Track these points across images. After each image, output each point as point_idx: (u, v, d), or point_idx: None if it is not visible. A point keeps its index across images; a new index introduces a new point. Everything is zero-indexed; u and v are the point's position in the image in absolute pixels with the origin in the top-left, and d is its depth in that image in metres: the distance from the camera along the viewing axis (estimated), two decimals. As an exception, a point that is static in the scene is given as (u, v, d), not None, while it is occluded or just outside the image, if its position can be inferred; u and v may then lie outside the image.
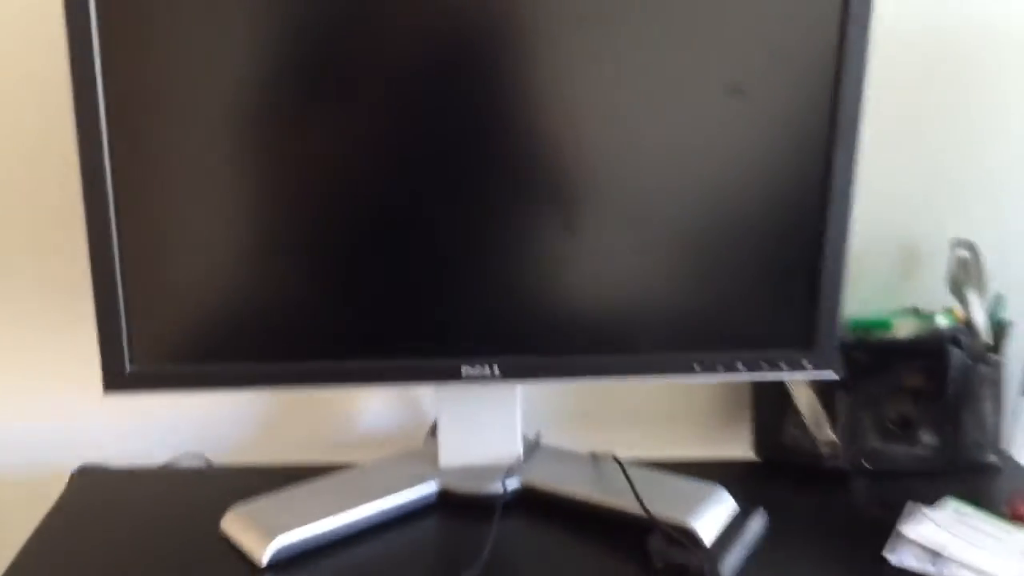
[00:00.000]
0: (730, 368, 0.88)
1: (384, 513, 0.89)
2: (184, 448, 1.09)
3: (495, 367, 0.87)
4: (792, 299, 0.87)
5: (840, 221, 0.85)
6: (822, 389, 1.01)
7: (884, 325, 1.02)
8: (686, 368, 0.88)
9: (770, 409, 1.05)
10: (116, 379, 0.84)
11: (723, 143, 0.83)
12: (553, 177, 0.83)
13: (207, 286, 0.84)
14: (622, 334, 0.87)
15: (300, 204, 0.82)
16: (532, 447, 1.01)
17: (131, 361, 0.84)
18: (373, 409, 1.11)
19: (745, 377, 0.88)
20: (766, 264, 0.86)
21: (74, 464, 1.03)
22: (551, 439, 1.05)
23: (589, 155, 0.82)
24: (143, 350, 0.84)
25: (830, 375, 0.90)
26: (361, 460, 0.99)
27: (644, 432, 1.13)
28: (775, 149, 0.84)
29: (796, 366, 0.88)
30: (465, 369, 0.86)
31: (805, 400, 1.01)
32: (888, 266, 1.10)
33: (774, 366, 0.88)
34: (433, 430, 1.01)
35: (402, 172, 0.82)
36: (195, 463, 1.08)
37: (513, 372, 0.87)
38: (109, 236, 0.80)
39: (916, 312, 1.05)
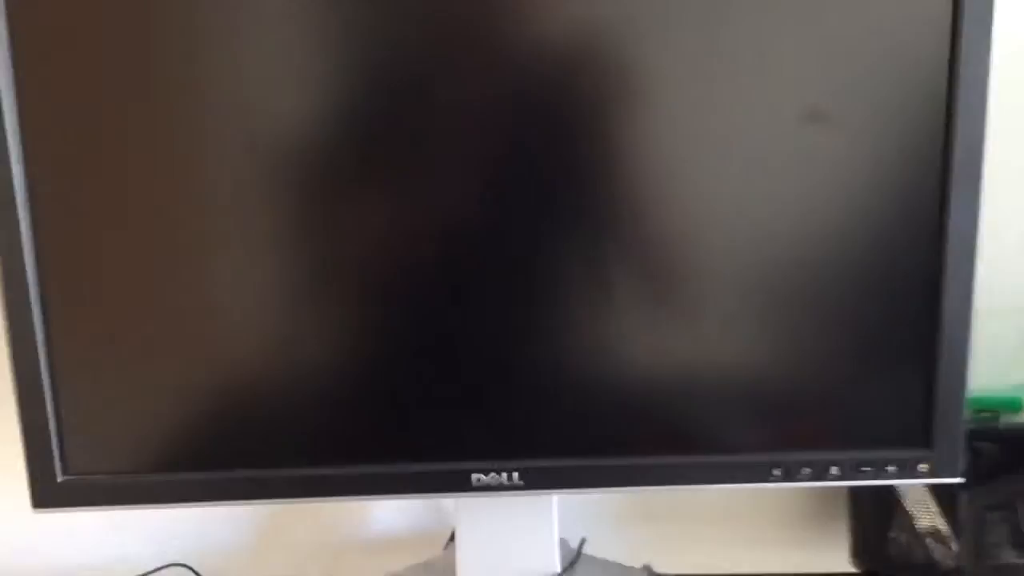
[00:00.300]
0: (821, 474, 0.69)
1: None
2: (168, 557, 0.95)
3: (514, 475, 0.69)
4: (901, 383, 0.69)
5: (961, 281, 0.66)
6: (939, 486, 0.82)
7: (1014, 405, 0.85)
8: (761, 474, 0.69)
9: (873, 509, 0.87)
10: (46, 492, 0.69)
11: (808, 188, 0.67)
12: (626, 248, 0.68)
13: (162, 380, 0.69)
14: (677, 431, 0.70)
15: (296, 286, 0.69)
16: (573, 558, 0.84)
17: (64, 470, 0.69)
18: (387, 510, 0.95)
19: (840, 484, 0.70)
20: (867, 339, 0.68)
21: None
22: (597, 547, 0.88)
23: (668, 220, 0.68)
24: (82, 456, 0.69)
25: (952, 478, 0.71)
26: (372, 572, 0.85)
27: (714, 536, 0.96)
28: (874, 194, 0.66)
29: (908, 470, 0.70)
30: (477, 478, 0.69)
31: (917, 499, 0.84)
32: (1014, 331, 0.92)
33: (879, 471, 0.69)
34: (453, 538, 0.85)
35: (442, 244, 0.68)
36: (180, 577, 0.93)
37: (539, 481, 0.69)
38: (27, 304, 0.66)
39: (1055, 389, 0.87)
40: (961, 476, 0.71)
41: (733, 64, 0.64)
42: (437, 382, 0.69)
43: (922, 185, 0.65)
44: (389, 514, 0.96)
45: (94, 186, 0.66)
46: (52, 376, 0.67)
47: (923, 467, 0.69)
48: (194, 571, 0.93)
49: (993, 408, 0.86)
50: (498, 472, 0.69)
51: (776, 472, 0.69)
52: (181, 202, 0.66)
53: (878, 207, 0.66)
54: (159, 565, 0.94)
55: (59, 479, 0.69)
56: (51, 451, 0.68)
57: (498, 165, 0.67)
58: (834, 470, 0.69)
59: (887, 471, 0.69)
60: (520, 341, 0.69)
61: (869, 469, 0.69)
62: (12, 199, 0.64)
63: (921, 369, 0.68)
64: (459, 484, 0.69)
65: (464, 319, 0.68)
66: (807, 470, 0.69)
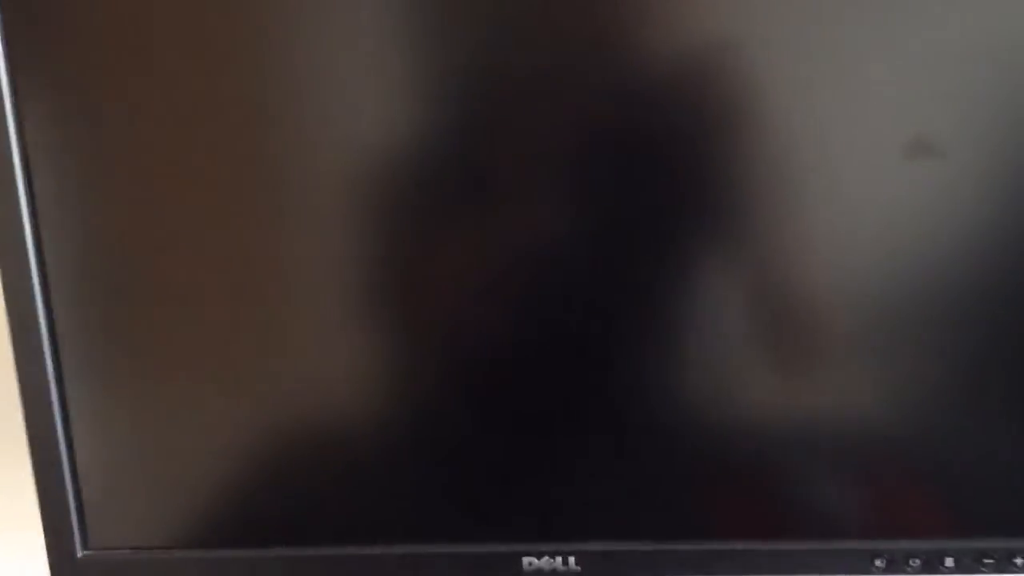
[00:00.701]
0: (933, 567, 0.58)
1: None
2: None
3: (570, 559, 0.60)
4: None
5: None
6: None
7: None
8: (861, 565, 0.58)
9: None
10: (64, 569, 0.63)
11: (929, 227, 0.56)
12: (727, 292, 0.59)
13: (194, 449, 0.63)
14: (763, 510, 0.60)
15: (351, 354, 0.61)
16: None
17: (84, 545, 0.63)
18: None
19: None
20: (996, 400, 0.57)
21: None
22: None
23: (778, 260, 0.58)
24: (102, 530, 0.63)
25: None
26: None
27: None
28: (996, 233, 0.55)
29: None
30: (528, 561, 0.60)
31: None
32: None
33: (1005, 564, 0.57)
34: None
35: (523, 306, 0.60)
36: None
37: (599, 567, 0.60)
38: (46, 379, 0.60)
39: None
40: None
41: (844, 92, 0.55)
42: (486, 453, 0.61)
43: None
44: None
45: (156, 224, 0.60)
46: (69, 443, 0.61)
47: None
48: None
49: None
50: (552, 556, 0.60)
51: (879, 563, 0.58)
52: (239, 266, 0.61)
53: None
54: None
55: (79, 555, 0.63)
56: (70, 524, 0.62)
57: (595, 205, 0.58)
58: (949, 562, 0.58)
59: (1015, 564, 0.57)
60: (592, 406, 0.60)
61: (992, 561, 0.57)
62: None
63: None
64: (508, 568, 0.61)
65: (527, 385, 0.60)
66: (916, 561, 0.58)
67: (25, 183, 0.57)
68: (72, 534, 0.63)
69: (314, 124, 0.57)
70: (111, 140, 0.58)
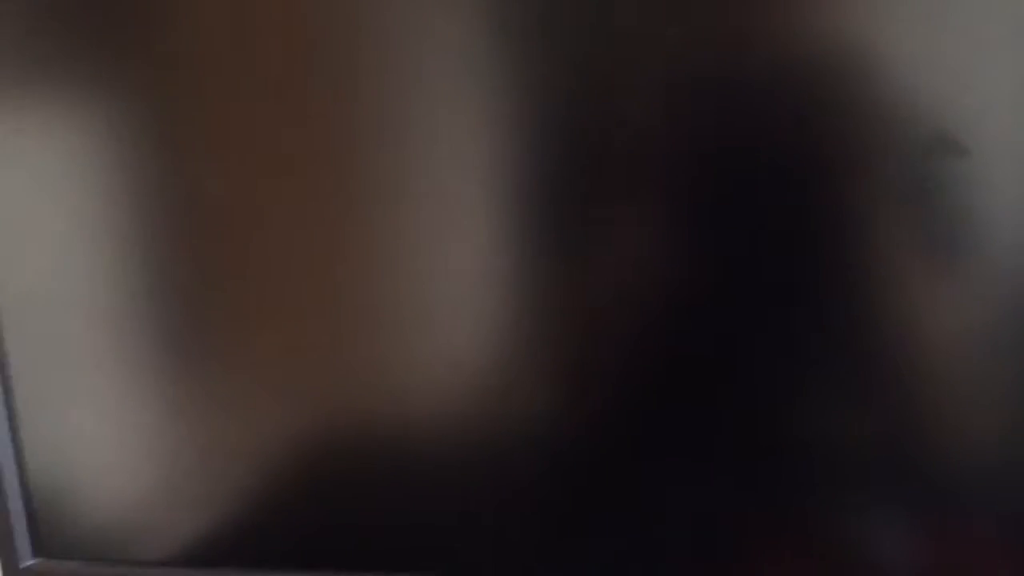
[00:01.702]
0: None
1: None
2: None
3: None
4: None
5: None
6: None
7: None
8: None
9: None
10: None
11: None
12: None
13: (136, 459, 0.60)
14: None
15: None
16: None
17: (36, 552, 0.61)
18: None
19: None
20: None
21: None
22: None
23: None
24: (54, 539, 0.61)
25: None
26: None
27: None
28: None
29: None
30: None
31: None
32: None
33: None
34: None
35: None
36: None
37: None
38: None
39: None
40: None
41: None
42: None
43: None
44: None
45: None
46: (18, 452, 0.60)
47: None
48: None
49: None
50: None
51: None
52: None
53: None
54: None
55: (27, 563, 0.61)
56: (16, 529, 0.60)
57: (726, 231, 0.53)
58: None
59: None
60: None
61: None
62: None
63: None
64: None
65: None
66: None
67: None
68: (20, 541, 0.61)
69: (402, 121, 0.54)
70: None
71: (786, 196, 0.51)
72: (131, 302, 0.58)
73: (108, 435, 0.60)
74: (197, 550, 0.60)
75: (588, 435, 0.55)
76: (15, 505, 0.60)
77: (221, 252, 0.56)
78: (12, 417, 0.59)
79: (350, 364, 0.56)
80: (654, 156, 0.52)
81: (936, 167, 0.49)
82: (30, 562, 0.61)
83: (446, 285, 0.54)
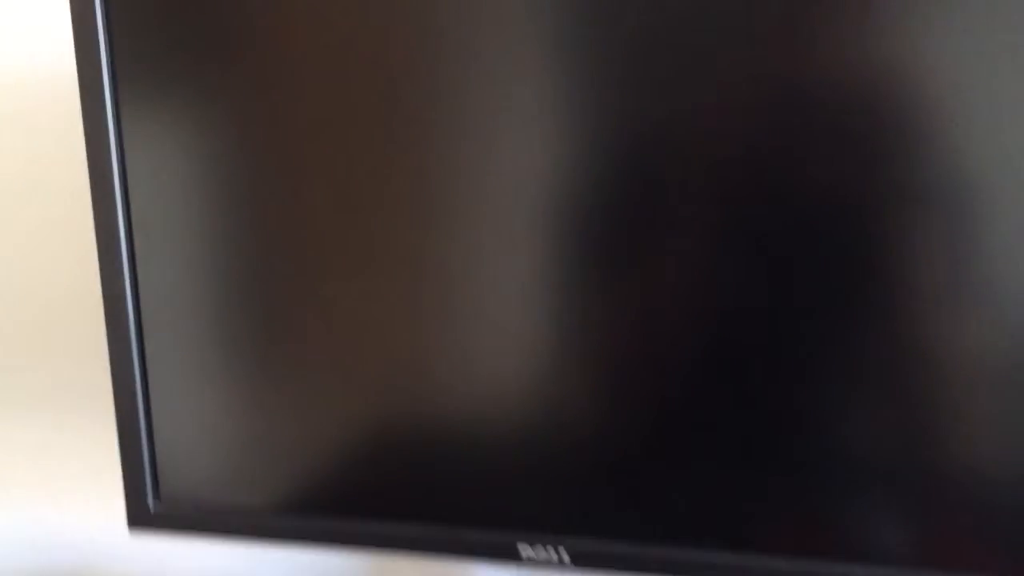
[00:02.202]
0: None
1: None
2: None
3: (563, 553, 0.65)
4: (991, 496, 0.57)
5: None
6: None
7: None
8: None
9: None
10: (140, 516, 0.73)
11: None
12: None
13: (242, 425, 0.71)
14: (740, 523, 0.62)
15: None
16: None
17: (156, 497, 0.73)
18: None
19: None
20: (955, 440, 0.57)
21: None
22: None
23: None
24: (172, 486, 0.73)
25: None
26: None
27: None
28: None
29: None
30: (523, 549, 0.66)
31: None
32: None
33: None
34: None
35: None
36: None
37: (587, 561, 0.65)
38: (130, 352, 0.71)
39: None
40: None
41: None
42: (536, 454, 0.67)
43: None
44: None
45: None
46: (147, 408, 0.72)
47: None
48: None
49: None
50: (544, 546, 0.65)
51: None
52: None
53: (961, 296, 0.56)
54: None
55: (150, 506, 0.73)
56: (144, 478, 0.73)
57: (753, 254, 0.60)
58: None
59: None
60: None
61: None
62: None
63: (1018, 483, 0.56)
64: (506, 553, 0.66)
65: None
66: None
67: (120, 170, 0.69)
68: (145, 486, 0.73)
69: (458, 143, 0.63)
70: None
71: (824, 229, 0.57)
72: (240, 299, 0.69)
73: (219, 406, 0.72)
74: (291, 499, 0.72)
75: (620, 426, 0.64)
76: (143, 459, 0.72)
77: (315, 268, 0.67)
78: (146, 390, 0.71)
79: (418, 358, 0.66)
80: (699, 189, 0.59)
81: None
82: (154, 505, 0.74)
83: (502, 299, 0.64)
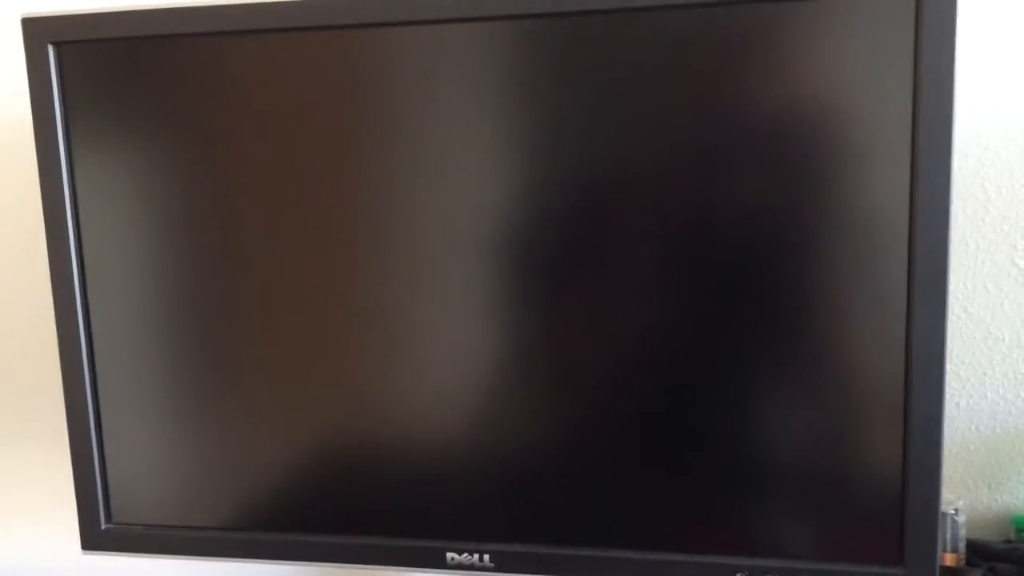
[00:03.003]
0: (784, 583, 0.67)
1: None
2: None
3: (485, 556, 0.72)
4: (872, 495, 0.66)
5: (930, 392, 0.63)
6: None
7: (1060, 527, 0.78)
8: (724, 577, 0.68)
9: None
10: (93, 538, 0.79)
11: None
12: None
13: (188, 449, 0.77)
14: (646, 526, 0.70)
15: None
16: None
17: (107, 519, 0.78)
18: None
19: (811, 595, 0.67)
20: (838, 445, 0.66)
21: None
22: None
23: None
24: (123, 507, 0.78)
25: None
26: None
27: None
28: (840, 299, 0.65)
29: None
30: (451, 556, 0.73)
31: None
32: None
33: (846, 585, 0.66)
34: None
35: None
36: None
37: (508, 564, 0.72)
38: (82, 380, 0.76)
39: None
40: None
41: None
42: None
43: (888, 295, 0.64)
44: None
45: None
46: (99, 434, 0.77)
47: (894, 585, 0.66)
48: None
49: (1035, 528, 0.80)
50: (470, 552, 0.72)
51: (740, 576, 0.68)
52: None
53: (845, 317, 0.65)
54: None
55: (103, 527, 0.78)
56: (96, 501, 0.78)
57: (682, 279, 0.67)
58: (798, 580, 0.67)
59: (859, 588, 0.66)
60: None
61: (835, 583, 0.67)
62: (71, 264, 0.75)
63: (891, 481, 0.65)
64: (433, 561, 0.73)
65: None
66: (771, 578, 0.68)
67: (72, 212, 0.74)
68: (98, 507, 0.78)
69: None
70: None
71: (739, 265, 0.65)
72: (186, 334, 0.75)
73: (168, 433, 0.77)
74: (236, 517, 0.78)
75: (536, 441, 0.71)
76: (95, 483, 0.78)
77: (257, 303, 0.74)
78: (98, 419, 0.77)
79: (350, 385, 0.73)
80: (633, 227, 0.67)
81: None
82: (106, 526, 0.79)
83: (428, 329, 0.71)
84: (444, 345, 0.71)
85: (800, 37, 0.62)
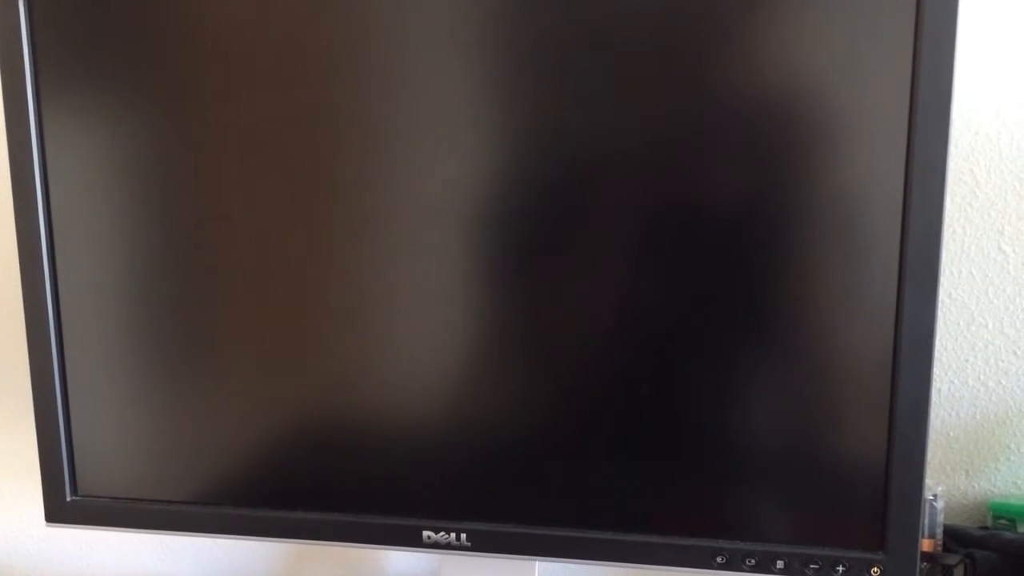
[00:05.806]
0: (766, 567, 0.67)
1: None
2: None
3: (462, 535, 0.71)
4: (855, 481, 0.65)
5: (916, 377, 0.63)
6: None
7: (1035, 514, 0.78)
8: (703, 560, 0.67)
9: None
10: (57, 509, 0.76)
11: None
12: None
13: (158, 422, 0.75)
14: (626, 507, 0.69)
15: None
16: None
17: (73, 491, 0.76)
18: (403, 558, 0.97)
19: (791, 580, 0.67)
20: (823, 431, 0.65)
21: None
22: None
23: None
24: (89, 480, 0.76)
25: (917, 587, 0.66)
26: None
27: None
28: (827, 287, 0.64)
29: (858, 573, 0.65)
30: (427, 535, 0.71)
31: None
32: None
33: (827, 570, 0.66)
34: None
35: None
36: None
37: (485, 543, 0.71)
38: (49, 351, 0.74)
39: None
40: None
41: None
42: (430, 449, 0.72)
43: (877, 280, 0.63)
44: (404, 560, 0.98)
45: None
46: (65, 405, 0.75)
47: (875, 571, 0.65)
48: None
49: (1012, 516, 0.80)
50: (447, 531, 0.71)
51: (719, 560, 0.67)
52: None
53: (831, 300, 0.64)
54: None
55: (68, 499, 0.76)
56: (62, 472, 0.76)
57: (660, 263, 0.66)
58: (780, 564, 0.66)
59: (836, 571, 0.66)
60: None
61: (817, 567, 0.66)
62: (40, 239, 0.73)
63: (875, 467, 0.65)
64: (410, 539, 0.72)
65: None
66: (751, 561, 0.67)
67: (42, 183, 0.71)
68: (63, 481, 0.76)
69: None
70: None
71: (722, 245, 0.64)
72: (156, 302, 0.73)
73: (136, 405, 0.75)
74: (205, 491, 0.76)
75: (514, 421, 0.70)
76: (61, 455, 0.75)
77: (230, 271, 0.71)
78: (65, 389, 0.74)
79: (326, 359, 0.71)
80: (612, 201, 0.65)
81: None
82: (71, 499, 0.77)
83: (405, 305, 0.69)
84: (421, 321, 0.69)
85: (798, 16, 0.61)
